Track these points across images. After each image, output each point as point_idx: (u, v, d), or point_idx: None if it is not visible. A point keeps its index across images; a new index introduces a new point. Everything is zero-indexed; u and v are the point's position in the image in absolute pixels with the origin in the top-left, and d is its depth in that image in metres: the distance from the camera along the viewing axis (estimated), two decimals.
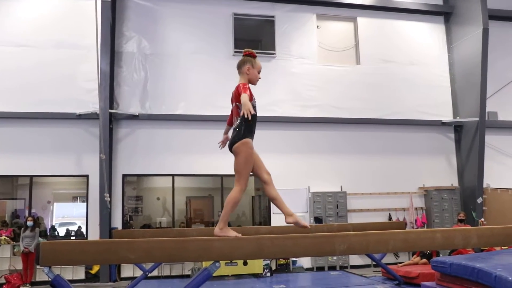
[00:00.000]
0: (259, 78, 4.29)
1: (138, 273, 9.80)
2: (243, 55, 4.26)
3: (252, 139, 4.07)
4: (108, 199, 10.38)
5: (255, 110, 4.06)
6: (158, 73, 11.95)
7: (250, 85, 4.21)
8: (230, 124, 4.34)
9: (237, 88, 4.10)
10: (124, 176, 11.58)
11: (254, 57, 4.26)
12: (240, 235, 3.87)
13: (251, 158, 4.03)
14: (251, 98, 4.03)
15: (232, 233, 3.90)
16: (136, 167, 11.63)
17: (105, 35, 11.00)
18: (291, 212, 4.16)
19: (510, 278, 6.13)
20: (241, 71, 4.23)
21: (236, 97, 4.12)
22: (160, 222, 13.46)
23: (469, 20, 13.03)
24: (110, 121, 11.20)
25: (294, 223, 4.17)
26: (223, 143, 4.55)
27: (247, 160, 4.00)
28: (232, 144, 4.05)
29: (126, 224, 11.90)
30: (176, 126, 11.88)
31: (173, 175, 11.96)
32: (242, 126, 4.00)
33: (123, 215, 11.60)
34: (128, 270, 11.06)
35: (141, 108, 11.70)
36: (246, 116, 3.81)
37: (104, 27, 10.91)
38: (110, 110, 11.16)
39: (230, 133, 4.31)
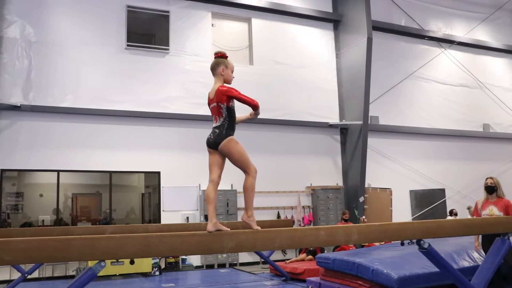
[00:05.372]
0: (233, 77, 4.41)
1: (16, 275, 9.19)
2: (215, 57, 4.41)
3: (233, 135, 4.30)
4: None
5: (234, 110, 4.31)
6: (43, 62, 11.26)
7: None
8: None
9: (219, 89, 4.25)
10: (2, 171, 10.78)
11: (226, 57, 4.40)
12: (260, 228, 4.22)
13: (242, 148, 4.26)
14: (231, 101, 4.28)
15: (255, 225, 4.22)
16: (17, 161, 10.86)
17: None
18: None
19: (385, 271, 6.58)
20: (215, 73, 4.37)
21: (217, 97, 4.25)
22: (43, 221, 12.73)
23: (355, 29, 13.78)
24: None
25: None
26: None
27: (241, 152, 4.25)
28: (216, 143, 4.23)
29: (3, 223, 11.10)
30: (63, 119, 11.27)
31: (58, 171, 11.35)
32: (226, 126, 4.24)
33: (0, 213, 10.80)
34: (4, 273, 10.30)
35: (23, 98, 10.95)
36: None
37: None
38: None
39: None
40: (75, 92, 11.42)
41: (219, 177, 4.33)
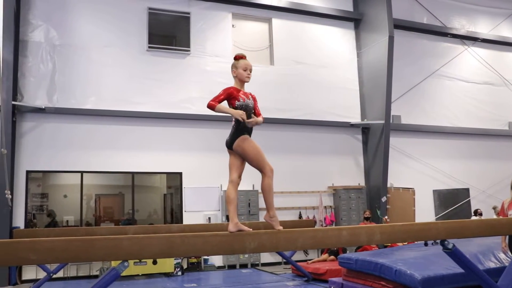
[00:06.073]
0: (248, 74, 4.43)
1: (42, 274, 9.34)
2: (233, 58, 4.49)
3: (250, 135, 4.33)
4: (9, 196, 9.77)
5: (250, 108, 4.31)
6: (67, 65, 11.42)
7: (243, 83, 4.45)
8: None
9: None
10: (28, 172, 10.96)
11: (238, 59, 4.44)
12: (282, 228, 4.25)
13: (256, 147, 4.28)
14: (237, 97, 4.27)
15: (278, 225, 4.24)
16: (42, 163, 11.04)
17: (8, 22, 10.29)
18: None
19: (409, 272, 6.51)
20: (233, 76, 4.44)
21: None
22: (67, 221, 12.92)
23: (376, 27, 13.66)
24: (13, 113, 10.53)
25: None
26: None
27: (255, 151, 4.26)
28: (231, 143, 4.29)
29: (29, 223, 11.29)
30: (86, 121, 11.42)
31: (81, 172, 11.50)
32: (235, 125, 4.29)
33: (26, 214, 10.99)
34: (30, 272, 10.48)
35: (48, 101, 11.13)
36: (239, 120, 4.19)
37: (6, 13, 10.20)
38: (14, 102, 10.48)
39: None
40: (98, 94, 11.56)
41: (239, 177, 4.33)
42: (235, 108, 4.26)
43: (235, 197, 4.22)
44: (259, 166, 4.25)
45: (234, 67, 4.42)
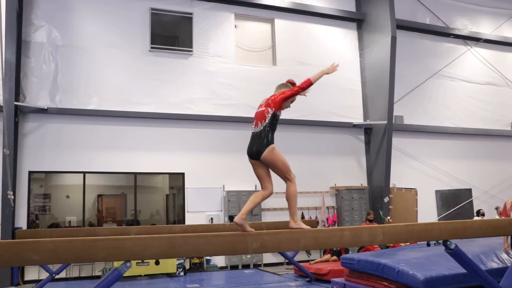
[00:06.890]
0: (288, 107, 4.59)
1: (44, 275, 9.36)
2: (286, 82, 4.67)
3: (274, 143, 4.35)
4: (12, 197, 9.78)
5: (278, 119, 4.38)
6: (70, 65, 11.44)
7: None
8: None
9: (275, 96, 4.41)
10: (30, 172, 10.97)
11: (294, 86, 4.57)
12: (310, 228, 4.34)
13: (283, 156, 4.33)
14: (281, 108, 4.39)
15: (305, 226, 4.33)
16: (44, 163, 11.06)
17: (11, 22, 10.30)
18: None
19: (411, 272, 6.51)
20: (279, 91, 4.53)
21: (267, 103, 4.38)
22: (70, 221, 12.92)
23: (379, 28, 13.65)
24: (15, 114, 10.55)
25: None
26: None
27: (283, 160, 4.31)
28: (258, 152, 4.25)
29: (32, 223, 11.30)
30: (89, 121, 11.43)
31: (84, 172, 11.52)
32: (267, 133, 4.28)
33: (29, 214, 11.01)
34: (33, 273, 10.50)
35: (50, 101, 11.15)
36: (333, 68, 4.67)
37: (9, 14, 10.20)
38: (16, 103, 10.50)
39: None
40: (100, 94, 11.58)
41: (271, 184, 4.42)
42: (275, 115, 4.32)
43: (258, 202, 4.35)
44: (287, 175, 4.33)
45: (294, 94, 4.45)
